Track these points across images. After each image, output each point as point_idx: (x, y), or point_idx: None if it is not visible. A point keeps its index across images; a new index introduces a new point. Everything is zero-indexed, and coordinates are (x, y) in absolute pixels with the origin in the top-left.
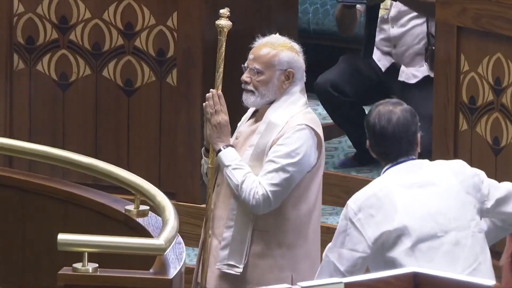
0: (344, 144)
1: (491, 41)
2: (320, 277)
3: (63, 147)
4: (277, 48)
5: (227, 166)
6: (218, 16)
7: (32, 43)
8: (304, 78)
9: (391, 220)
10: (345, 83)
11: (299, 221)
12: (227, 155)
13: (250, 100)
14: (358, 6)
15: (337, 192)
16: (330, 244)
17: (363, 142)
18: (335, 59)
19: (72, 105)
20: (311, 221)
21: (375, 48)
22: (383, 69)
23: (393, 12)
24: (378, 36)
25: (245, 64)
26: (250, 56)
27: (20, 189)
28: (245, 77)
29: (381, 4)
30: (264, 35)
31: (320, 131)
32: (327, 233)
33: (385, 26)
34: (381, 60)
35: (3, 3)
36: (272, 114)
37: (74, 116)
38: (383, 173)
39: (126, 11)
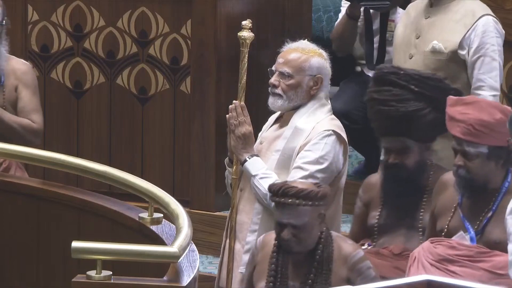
0: (358, 152)
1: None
2: None
3: (77, 155)
4: (307, 53)
5: (254, 175)
6: (232, 24)
7: (46, 51)
8: (329, 85)
9: None
10: (353, 111)
11: None
12: (253, 165)
13: (277, 104)
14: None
15: (350, 199)
16: (509, 245)
17: (373, 154)
18: (350, 67)
19: (86, 113)
20: (333, 228)
21: None
22: None
23: None
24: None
25: (273, 68)
26: (280, 59)
27: (35, 197)
28: (274, 80)
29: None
30: (277, 44)
31: (345, 137)
32: None
33: (390, 49)
34: None
35: (18, 11)
36: (298, 119)
37: (88, 124)
38: None
39: (140, 19)
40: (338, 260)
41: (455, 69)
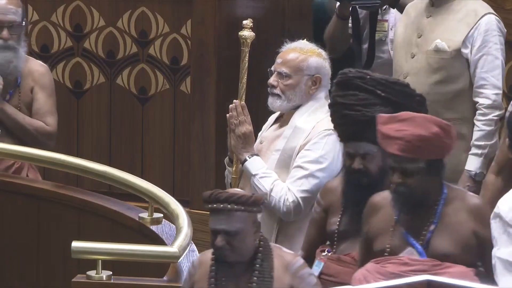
0: None
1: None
2: (498, 278)
3: (77, 155)
4: (306, 53)
5: (254, 175)
6: (232, 24)
7: (46, 51)
8: (329, 85)
9: None
10: None
11: None
12: (253, 164)
13: (276, 104)
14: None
15: None
16: (494, 248)
17: None
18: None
19: (86, 113)
20: None
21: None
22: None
23: (392, 34)
24: (375, 61)
25: (272, 68)
26: (278, 60)
27: (35, 197)
28: (272, 80)
29: (378, 27)
30: (277, 44)
31: None
32: None
33: (384, 48)
34: None
35: None
36: (298, 119)
37: (88, 124)
38: None
39: (140, 19)
40: (280, 268)
41: (457, 67)
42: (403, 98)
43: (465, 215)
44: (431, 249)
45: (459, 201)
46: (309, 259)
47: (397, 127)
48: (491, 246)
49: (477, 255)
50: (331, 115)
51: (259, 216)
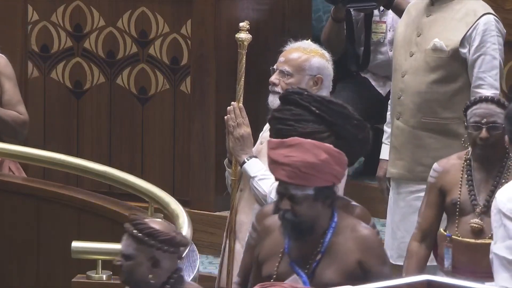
0: None
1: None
2: (496, 274)
3: (77, 155)
4: (308, 53)
5: (253, 177)
6: (232, 24)
7: (46, 51)
8: (331, 86)
9: None
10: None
11: None
12: (252, 166)
13: (277, 102)
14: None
15: (351, 199)
16: (492, 242)
17: (372, 153)
18: (345, 69)
19: (86, 113)
20: None
21: (371, 75)
22: (383, 94)
23: (390, 35)
24: (373, 62)
25: (275, 66)
26: (281, 58)
27: (35, 197)
28: (274, 78)
29: (375, 28)
30: (277, 44)
31: None
32: None
33: (383, 49)
34: (379, 87)
35: (18, 11)
36: None
37: (88, 124)
38: None
39: (140, 19)
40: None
41: (455, 67)
42: (338, 119)
43: (353, 245)
44: (315, 278)
45: (349, 231)
46: (245, 285)
47: (285, 152)
48: (377, 276)
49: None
50: (269, 131)
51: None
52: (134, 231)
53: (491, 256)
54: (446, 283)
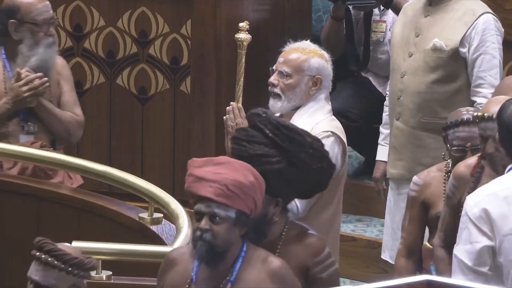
0: (357, 152)
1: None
2: (454, 277)
3: (77, 155)
4: (308, 53)
5: None
6: (232, 24)
7: None
8: (330, 86)
9: (508, 223)
10: (349, 109)
11: (319, 230)
12: None
13: (277, 106)
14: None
15: (350, 199)
16: (456, 243)
17: (372, 153)
18: (346, 68)
19: (86, 113)
20: (332, 230)
21: (372, 75)
22: (384, 94)
23: (390, 35)
24: (375, 62)
25: (274, 67)
26: (280, 59)
27: (35, 197)
28: (273, 79)
29: (375, 27)
30: (277, 45)
31: (344, 139)
32: (341, 241)
33: (383, 49)
34: (380, 87)
35: None
36: (298, 120)
37: (88, 124)
38: (507, 171)
39: (140, 19)
40: None
41: (455, 67)
42: (292, 145)
43: (265, 277)
44: None
45: (259, 262)
46: None
47: (213, 169)
48: None
49: None
50: (231, 150)
51: None
52: (48, 257)
53: (453, 257)
54: (446, 283)
